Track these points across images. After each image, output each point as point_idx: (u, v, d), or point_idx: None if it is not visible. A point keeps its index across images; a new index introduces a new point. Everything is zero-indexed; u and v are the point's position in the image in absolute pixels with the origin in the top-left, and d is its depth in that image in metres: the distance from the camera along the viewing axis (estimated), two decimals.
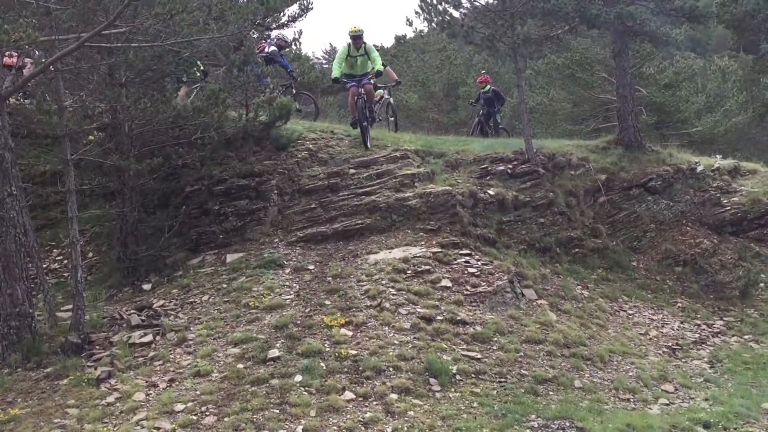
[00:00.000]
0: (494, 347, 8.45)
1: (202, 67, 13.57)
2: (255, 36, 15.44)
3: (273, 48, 14.96)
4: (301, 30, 24.57)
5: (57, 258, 11.40)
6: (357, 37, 12.25)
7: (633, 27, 13.04)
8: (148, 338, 8.44)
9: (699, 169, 13.72)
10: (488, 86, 16.97)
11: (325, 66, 44.29)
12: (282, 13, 15.33)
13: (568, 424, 7.06)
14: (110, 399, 7.24)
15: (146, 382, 7.53)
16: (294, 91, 16.10)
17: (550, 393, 7.78)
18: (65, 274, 10.86)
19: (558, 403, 7.53)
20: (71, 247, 8.86)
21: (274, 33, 15.00)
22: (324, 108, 20.09)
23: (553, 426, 7.00)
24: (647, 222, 12.83)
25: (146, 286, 10.16)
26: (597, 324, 9.92)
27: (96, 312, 9.19)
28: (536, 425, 6.99)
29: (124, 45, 8.56)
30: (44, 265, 10.45)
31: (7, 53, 9.58)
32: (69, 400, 7.28)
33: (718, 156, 16.22)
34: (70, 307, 9.14)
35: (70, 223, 8.81)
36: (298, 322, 8.49)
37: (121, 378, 7.63)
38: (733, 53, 26.79)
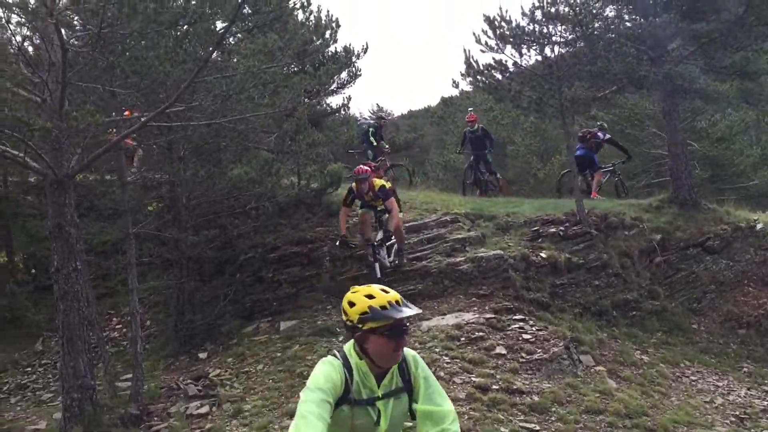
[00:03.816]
0: (553, 418, 8.23)
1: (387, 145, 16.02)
2: (305, 102, 15.95)
3: (608, 136, 15.95)
4: (350, 96, 25.17)
5: (116, 327, 11.70)
6: None
7: (682, 86, 12.97)
8: (205, 409, 8.51)
9: (758, 226, 13.37)
10: (477, 125, 16.10)
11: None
12: (332, 82, 15.86)
13: None
14: None
15: None
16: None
17: None
18: (124, 343, 11.13)
19: None
20: (131, 318, 9.10)
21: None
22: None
23: None
24: (707, 283, 12.48)
25: (202, 355, 10.32)
26: (659, 391, 9.58)
27: (154, 382, 9.35)
28: None
29: (183, 123, 8.91)
30: (104, 334, 10.73)
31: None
32: None
33: None
34: (129, 376, 9.34)
35: (131, 295, 9.07)
36: None
37: None
38: None
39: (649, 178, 19.88)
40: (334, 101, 20.59)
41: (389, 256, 10.97)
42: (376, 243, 10.56)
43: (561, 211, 12.47)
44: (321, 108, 18.89)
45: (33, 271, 12.01)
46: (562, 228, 12.01)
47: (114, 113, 8.51)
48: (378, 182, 10.59)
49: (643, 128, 19.58)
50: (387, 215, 10.54)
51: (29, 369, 10.96)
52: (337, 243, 10.92)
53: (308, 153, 12.00)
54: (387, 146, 17.47)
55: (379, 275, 10.30)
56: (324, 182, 12.08)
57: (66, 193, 8.28)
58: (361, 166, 10.77)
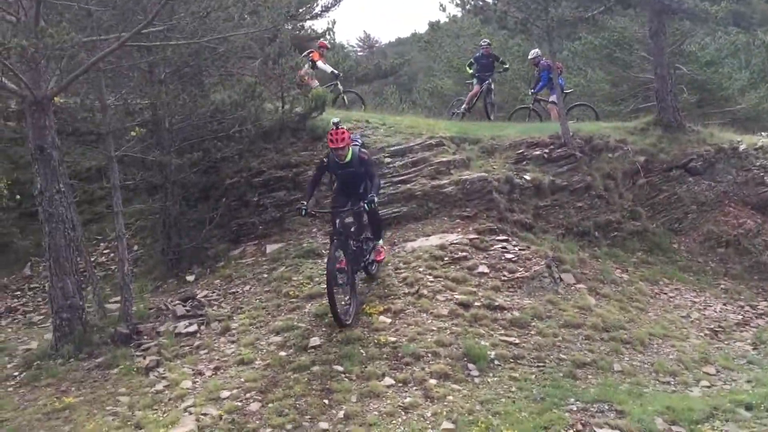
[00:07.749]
0: (532, 332, 8.48)
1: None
2: (289, 27, 15.64)
3: None
4: (334, 20, 24.69)
5: (104, 252, 11.78)
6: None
7: (670, 5, 12.79)
8: (193, 328, 8.70)
9: (741, 147, 13.43)
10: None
11: (359, 54, 44.59)
12: (315, 4, 15.55)
13: (607, 407, 7.07)
14: (159, 387, 7.50)
15: (193, 370, 7.78)
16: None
17: (589, 377, 7.79)
18: (112, 267, 11.22)
19: (597, 386, 7.53)
20: (117, 240, 9.18)
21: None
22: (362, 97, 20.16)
23: (592, 409, 7.01)
24: (688, 203, 12.63)
25: (190, 278, 10.46)
26: (637, 307, 9.85)
27: (143, 303, 9.50)
28: (575, 408, 7.00)
29: (163, 43, 8.76)
30: (92, 259, 10.82)
31: None
32: (120, 389, 7.57)
33: (762, 134, 15.82)
34: (118, 299, 9.48)
35: (116, 218, 9.12)
36: None
37: (168, 366, 7.89)
38: None
39: (637, 103, 19.79)
40: (318, 25, 20.22)
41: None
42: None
43: (546, 134, 12.47)
44: (305, 32, 18.61)
45: (18, 197, 11.93)
46: (546, 150, 12.05)
47: (89, 33, 8.31)
48: None
49: (632, 52, 19.35)
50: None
51: (18, 293, 11.08)
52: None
53: (291, 77, 11.87)
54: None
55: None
56: (308, 106, 11.98)
57: (45, 114, 8.21)
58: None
